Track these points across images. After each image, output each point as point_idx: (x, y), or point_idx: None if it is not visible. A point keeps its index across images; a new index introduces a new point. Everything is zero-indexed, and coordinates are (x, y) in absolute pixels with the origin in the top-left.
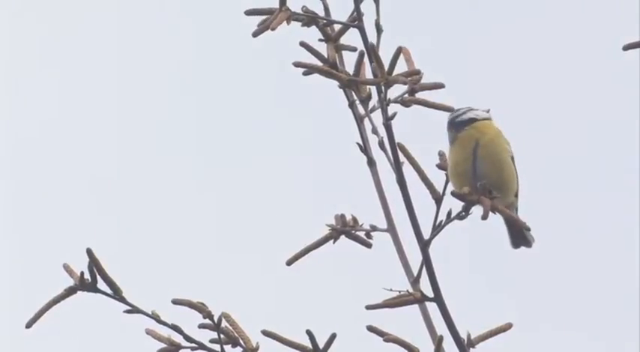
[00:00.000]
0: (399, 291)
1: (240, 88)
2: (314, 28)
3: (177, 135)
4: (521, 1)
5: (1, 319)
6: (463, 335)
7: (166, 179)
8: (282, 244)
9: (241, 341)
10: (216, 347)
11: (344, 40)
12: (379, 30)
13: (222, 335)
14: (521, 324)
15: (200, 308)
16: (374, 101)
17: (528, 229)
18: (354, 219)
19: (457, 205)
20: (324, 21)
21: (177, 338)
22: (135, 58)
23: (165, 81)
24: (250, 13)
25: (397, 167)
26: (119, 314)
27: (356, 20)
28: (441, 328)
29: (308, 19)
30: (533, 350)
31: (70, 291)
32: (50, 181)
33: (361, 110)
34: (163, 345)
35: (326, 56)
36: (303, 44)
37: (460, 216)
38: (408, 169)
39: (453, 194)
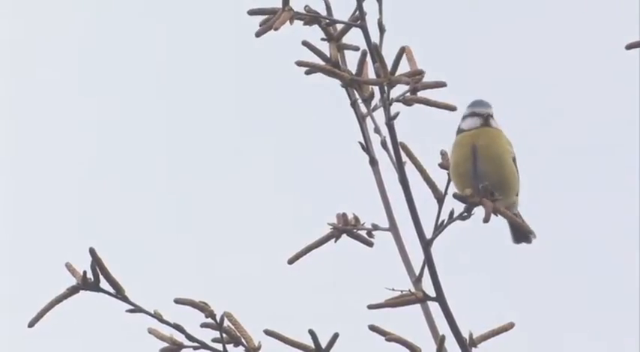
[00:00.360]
0: (401, 291)
1: (241, 88)
2: (316, 27)
3: (177, 135)
4: (522, 0)
5: (3, 318)
6: (465, 335)
7: (168, 178)
8: (284, 243)
9: (243, 341)
10: (219, 346)
11: (346, 39)
12: (382, 29)
13: (224, 335)
14: (523, 324)
15: (202, 307)
16: (376, 100)
17: (531, 232)
18: (356, 218)
19: (459, 204)
20: (327, 20)
21: (180, 338)
22: (135, 58)
23: (165, 81)
24: (253, 12)
25: (399, 166)
26: (121, 314)
27: (358, 19)
28: (443, 327)
29: (310, 18)
30: (534, 350)
31: (72, 291)
32: (52, 180)
33: (363, 109)
34: (166, 344)
35: (328, 55)
36: (305, 43)
37: (462, 217)
38: (410, 168)
39: (454, 196)
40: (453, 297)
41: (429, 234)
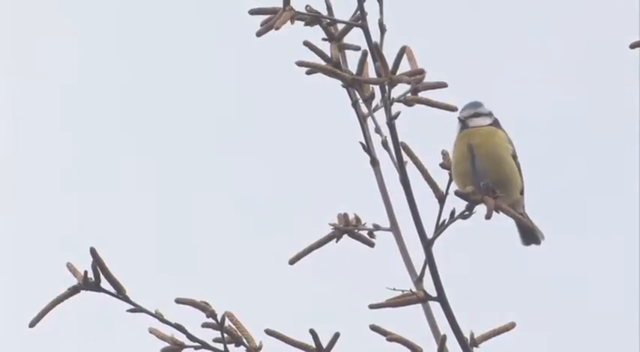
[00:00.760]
0: (402, 290)
1: (242, 88)
2: (317, 27)
3: (179, 136)
4: (522, 0)
5: (4, 318)
6: (466, 335)
7: (168, 178)
8: (285, 243)
9: (244, 341)
10: (220, 346)
11: (347, 39)
12: (382, 29)
13: (225, 335)
14: (524, 324)
15: (203, 307)
16: (377, 100)
17: (533, 229)
18: (357, 218)
19: (460, 204)
20: (328, 20)
21: (181, 338)
22: (134, 58)
23: (164, 81)
24: (254, 12)
25: (400, 166)
26: (122, 314)
27: (359, 19)
28: (444, 327)
29: (311, 18)
30: (535, 350)
31: (73, 290)
32: (53, 180)
33: (364, 109)
34: (167, 344)
35: (329, 55)
36: (306, 43)
37: (463, 216)
38: (411, 168)
39: (456, 193)
40: (453, 297)
41: (430, 234)
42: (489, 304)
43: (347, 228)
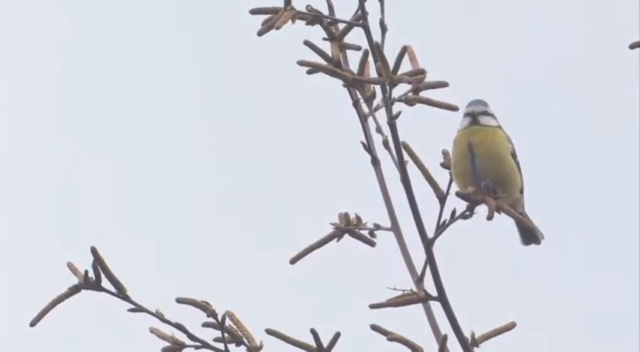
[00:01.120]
0: (403, 290)
1: (243, 88)
2: (318, 26)
3: (179, 135)
4: (522, 0)
5: (5, 317)
6: (467, 334)
7: (169, 177)
8: (286, 242)
9: (245, 340)
10: (220, 345)
11: (348, 38)
12: (383, 29)
13: (226, 334)
14: (525, 323)
15: (204, 306)
16: (378, 100)
17: (534, 230)
18: (358, 218)
19: (461, 204)
20: (329, 20)
21: (181, 337)
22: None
23: (165, 80)
24: (255, 12)
25: (401, 166)
26: (123, 313)
27: (360, 19)
28: (445, 327)
29: (312, 17)
30: (535, 350)
31: (74, 290)
32: (53, 179)
33: (365, 109)
34: (167, 344)
35: (330, 55)
36: (307, 43)
37: (464, 216)
38: (412, 168)
39: (457, 194)
40: (454, 297)
41: (430, 234)
42: (490, 304)
43: (348, 227)
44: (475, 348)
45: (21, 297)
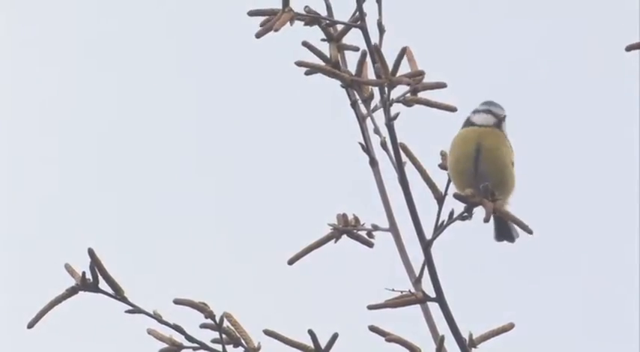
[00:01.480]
0: (401, 291)
1: (241, 89)
2: (316, 27)
3: (178, 136)
4: (522, 0)
5: (2, 319)
6: (465, 335)
7: (168, 179)
8: (284, 243)
9: (243, 341)
10: (218, 347)
11: (346, 39)
12: (381, 30)
13: (223, 335)
14: (523, 324)
15: (202, 308)
16: (376, 101)
17: (531, 232)
18: (356, 219)
19: (459, 205)
20: (327, 21)
21: (179, 338)
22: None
23: (163, 81)
24: (253, 13)
25: (399, 167)
26: (121, 314)
27: (358, 20)
28: (443, 328)
29: (310, 19)
30: (534, 350)
31: (71, 291)
32: (52, 180)
33: (363, 110)
34: (165, 345)
35: (328, 56)
36: (305, 44)
37: (462, 217)
38: (410, 169)
39: (455, 196)
40: (452, 298)
41: (429, 235)
42: (488, 305)
43: (346, 228)
44: (473, 349)
45: (18, 299)
